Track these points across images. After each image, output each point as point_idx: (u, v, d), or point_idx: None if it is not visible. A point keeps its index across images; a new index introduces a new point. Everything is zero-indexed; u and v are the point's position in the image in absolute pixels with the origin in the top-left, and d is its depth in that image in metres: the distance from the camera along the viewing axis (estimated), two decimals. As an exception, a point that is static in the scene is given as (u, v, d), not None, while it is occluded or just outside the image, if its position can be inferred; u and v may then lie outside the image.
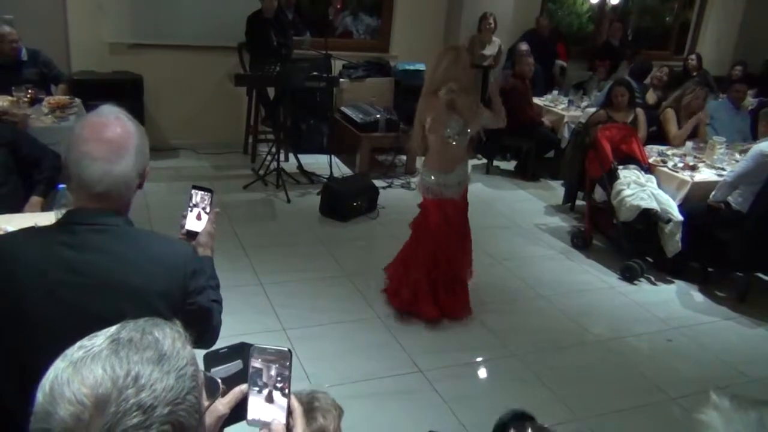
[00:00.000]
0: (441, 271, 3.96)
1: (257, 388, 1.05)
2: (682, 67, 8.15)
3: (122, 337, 0.83)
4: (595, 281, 4.76)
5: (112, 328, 0.86)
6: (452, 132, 3.68)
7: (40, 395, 0.80)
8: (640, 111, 5.68)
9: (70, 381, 0.78)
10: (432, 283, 3.95)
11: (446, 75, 3.64)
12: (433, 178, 3.79)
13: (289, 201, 5.66)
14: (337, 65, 6.84)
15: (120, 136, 1.51)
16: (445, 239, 3.89)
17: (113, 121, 1.53)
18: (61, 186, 2.65)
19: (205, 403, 0.93)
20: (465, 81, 3.70)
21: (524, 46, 6.99)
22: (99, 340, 0.84)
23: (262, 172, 6.00)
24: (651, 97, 6.78)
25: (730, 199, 4.62)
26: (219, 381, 1.03)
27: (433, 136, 3.72)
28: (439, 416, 3.16)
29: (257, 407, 1.05)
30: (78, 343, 0.84)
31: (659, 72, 7.00)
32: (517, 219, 5.81)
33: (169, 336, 0.86)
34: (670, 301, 4.56)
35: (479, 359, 3.71)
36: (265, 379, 1.05)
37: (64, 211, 2.16)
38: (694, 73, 7.71)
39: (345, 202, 5.35)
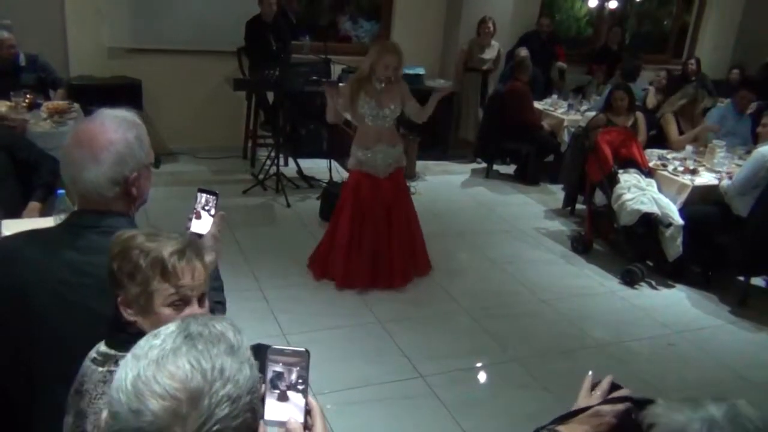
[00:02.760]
0: (361, 239, 4.29)
1: (276, 389, 1.05)
2: (681, 71, 8.16)
3: (193, 332, 0.87)
4: (595, 285, 4.75)
5: (172, 326, 0.89)
6: (365, 112, 4.12)
7: (121, 396, 0.81)
8: (639, 115, 5.67)
9: (157, 377, 0.81)
10: (349, 248, 4.30)
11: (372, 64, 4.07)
12: (359, 153, 4.24)
13: (288, 205, 5.65)
14: (336, 69, 6.83)
15: (96, 143, 1.50)
16: (359, 210, 4.27)
17: (97, 128, 1.52)
18: (60, 191, 2.64)
19: None
20: (382, 71, 4.05)
21: (524, 52, 7.00)
22: (168, 336, 0.86)
23: (261, 176, 5.99)
24: (651, 100, 6.78)
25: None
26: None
27: (356, 116, 4.20)
28: (439, 422, 3.14)
29: (275, 407, 1.05)
30: (143, 342, 0.87)
31: (658, 75, 6.99)
32: (517, 223, 5.80)
33: (229, 329, 0.91)
34: (670, 306, 4.55)
35: (480, 364, 3.70)
36: (285, 380, 1.06)
37: (62, 216, 2.14)
38: (693, 78, 7.70)
39: (344, 207, 5.33)
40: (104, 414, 0.86)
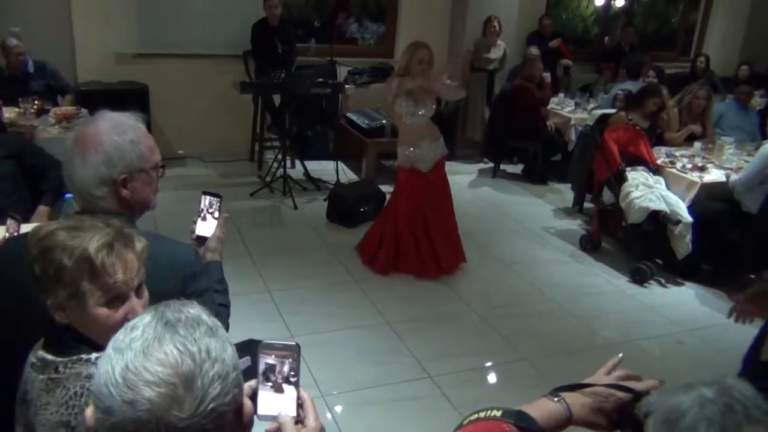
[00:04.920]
0: (414, 231, 4.54)
1: (269, 383, 1.06)
2: (690, 68, 8.11)
3: (170, 318, 0.88)
4: (604, 284, 4.73)
5: (147, 315, 0.89)
6: (403, 111, 4.32)
7: (111, 389, 0.82)
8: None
9: (146, 366, 0.82)
10: (406, 240, 4.54)
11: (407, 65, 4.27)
12: (407, 151, 4.44)
13: (296, 207, 5.66)
14: (342, 71, 6.85)
15: (85, 143, 1.54)
16: (415, 204, 4.50)
17: (89, 129, 1.56)
18: (68, 195, 2.66)
19: None
20: (418, 71, 4.25)
21: (534, 50, 6.98)
22: (147, 327, 0.87)
23: (268, 179, 6.01)
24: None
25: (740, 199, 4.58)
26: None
27: (395, 117, 4.46)
28: (448, 422, 3.12)
29: (267, 402, 1.06)
30: (121, 336, 0.87)
31: (647, 76, 6.90)
32: (525, 222, 5.78)
33: (202, 311, 0.93)
34: (680, 304, 4.52)
35: (489, 364, 3.69)
36: (276, 373, 1.06)
37: (70, 220, 2.16)
38: (701, 76, 7.65)
39: (352, 208, 5.34)
40: (88, 411, 0.86)
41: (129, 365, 0.83)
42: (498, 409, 1.09)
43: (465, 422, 1.11)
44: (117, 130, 1.56)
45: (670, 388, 1.01)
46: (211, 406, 0.84)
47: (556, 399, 1.18)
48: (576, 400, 1.18)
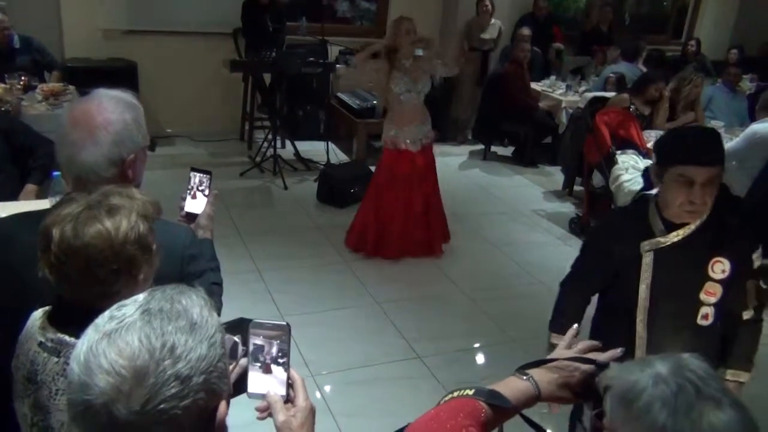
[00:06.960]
0: (399, 215, 4.49)
1: (258, 363, 1.06)
2: (681, 52, 8.11)
3: (152, 307, 0.86)
4: (593, 266, 4.75)
5: (140, 297, 0.88)
6: (400, 89, 4.24)
7: (75, 365, 0.82)
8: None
9: (106, 352, 0.81)
10: (385, 225, 4.51)
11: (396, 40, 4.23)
12: (393, 132, 4.38)
13: (286, 188, 5.64)
14: (333, 51, 6.79)
15: (93, 123, 1.48)
16: (399, 186, 4.44)
17: (93, 108, 1.50)
18: (56, 173, 2.64)
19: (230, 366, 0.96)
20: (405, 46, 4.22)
21: (525, 31, 6.92)
22: (130, 309, 0.86)
23: (258, 159, 5.98)
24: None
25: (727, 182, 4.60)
26: (239, 342, 1.05)
27: (390, 95, 4.35)
28: (437, 402, 3.15)
29: (257, 381, 1.07)
30: (107, 313, 0.86)
31: (640, 58, 6.89)
32: (515, 205, 5.79)
33: (197, 304, 0.89)
34: (668, 286, 4.55)
35: (478, 345, 3.72)
36: (264, 354, 1.06)
37: (58, 198, 2.14)
38: (692, 59, 7.65)
39: (342, 189, 5.33)
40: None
41: (93, 347, 0.81)
42: (471, 388, 1.12)
43: (441, 402, 1.14)
44: (123, 109, 1.52)
45: (628, 363, 1.03)
46: (161, 406, 0.80)
47: (524, 377, 1.21)
48: (543, 377, 1.21)
